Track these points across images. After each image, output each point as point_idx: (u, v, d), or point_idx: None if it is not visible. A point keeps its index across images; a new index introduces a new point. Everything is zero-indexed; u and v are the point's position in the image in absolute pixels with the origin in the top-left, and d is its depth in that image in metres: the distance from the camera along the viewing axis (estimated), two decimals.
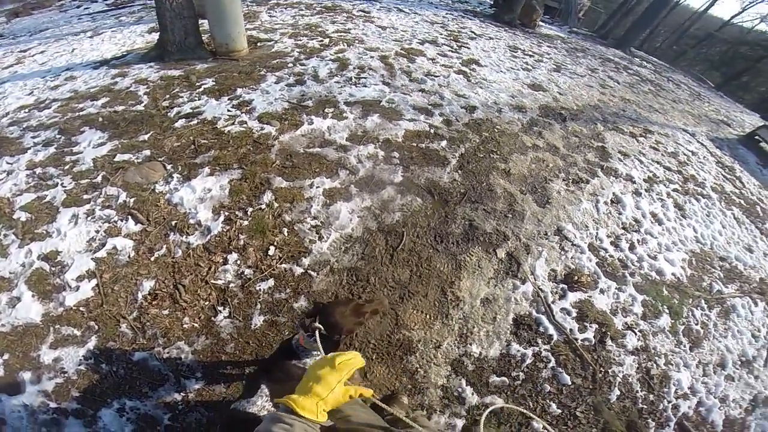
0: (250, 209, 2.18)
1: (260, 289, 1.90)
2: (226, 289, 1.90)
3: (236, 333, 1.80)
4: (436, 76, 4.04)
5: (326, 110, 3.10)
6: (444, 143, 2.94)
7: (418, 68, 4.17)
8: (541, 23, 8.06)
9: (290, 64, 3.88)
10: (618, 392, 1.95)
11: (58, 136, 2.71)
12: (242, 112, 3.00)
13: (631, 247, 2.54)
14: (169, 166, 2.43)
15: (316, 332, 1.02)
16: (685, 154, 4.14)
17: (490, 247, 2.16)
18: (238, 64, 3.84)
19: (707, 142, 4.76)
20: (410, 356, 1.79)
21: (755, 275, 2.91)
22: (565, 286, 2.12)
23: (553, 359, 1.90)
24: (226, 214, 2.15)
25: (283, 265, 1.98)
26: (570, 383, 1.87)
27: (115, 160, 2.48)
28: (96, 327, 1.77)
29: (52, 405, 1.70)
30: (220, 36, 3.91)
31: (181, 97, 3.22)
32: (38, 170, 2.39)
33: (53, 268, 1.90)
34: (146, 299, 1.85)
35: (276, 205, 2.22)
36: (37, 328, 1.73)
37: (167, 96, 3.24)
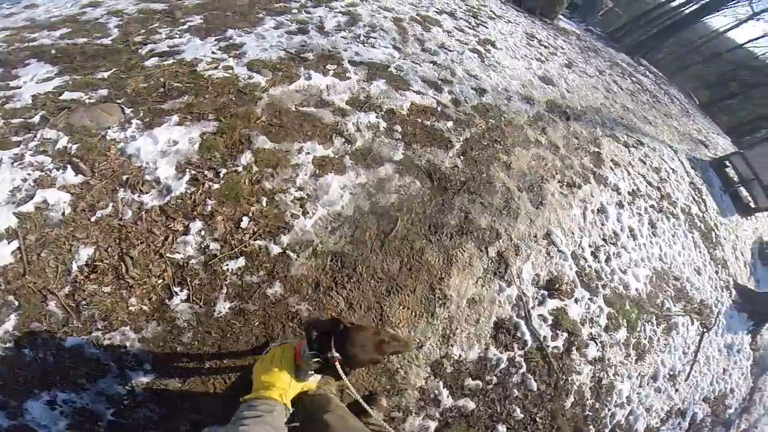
0: (224, 170, 1.84)
1: (228, 269, 1.63)
2: (186, 265, 1.60)
3: (195, 320, 1.55)
4: (450, 51, 3.70)
5: (328, 66, 2.69)
6: (450, 124, 2.71)
7: (433, 38, 3.78)
8: (560, 16, 7.72)
9: (294, 10, 3.36)
10: (572, 399, 2.07)
11: None
12: (230, 56, 2.52)
13: (607, 260, 2.62)
14: (128, 110, 1.98)
15: (337, 364, 0.88)
16: (666, 171, 4.29)
17: (483, 244, 2.08)
18: (235, 3, 3.26)
19: (686, 161, 4.98)
20: (392, 356, 1.71)
21: (697, 296, 3.20)
22: (546, 293, 2.14)
23: (524, 365, 1.95)
24: (193, 173, 1.80)
25: (258, 242, 1.72)
26: (536, 389, 1.94)
27: (61, 98, 1.98)
28: (16, 303, 1.43)
29: None
30: None
31: (159, 33, 2.67)
32: None
33: None
34: (82, 271, 1.50)
35: (256, 168, 1.90)
36: None
37: (143, 31, 2.67)
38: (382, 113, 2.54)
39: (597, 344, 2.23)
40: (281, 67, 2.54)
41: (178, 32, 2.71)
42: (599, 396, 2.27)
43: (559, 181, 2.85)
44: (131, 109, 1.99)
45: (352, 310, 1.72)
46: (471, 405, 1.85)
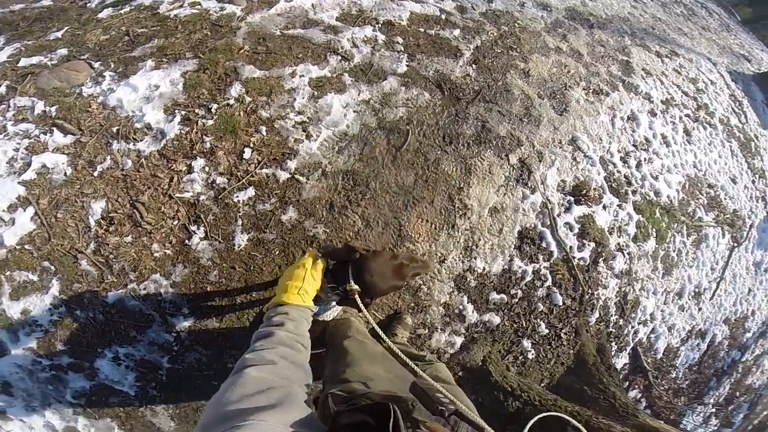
0: (215, 106, 1.73)
1: (239, 201, 1.60)
2: (197, 203, 1.58)
3: (218, 257, 1.57)
4: None
5: None
6: (457, 32, 2.39)
7: None
8: None
9: None
10: (597, 315, 2.04)
11: None
12: None
13: (638, 165, 2.44)
14: (96, 64, 1.84)
15: (357, 297, 0.82)
16: (704, 82, 3.88)
17: (503, 152, 1.92)
18: None
19: (725, 73, 4.48)
20: (412, 279, 1.66)
21: (731, 206, 3.01)
22: (572, 199, 2.01)
23: (550, 278, 1.89)
24: (183, 113, 1.70)
25: (264, 171, 1.65)
26: (561, 304, 1.90)
27: (19, 65, 1.85)
28: (53, 267, 1.49)
29: (45, 362, 1.58)
30: None
31: None
32: None
33: None
34: (101, 225, 1.53)
35: (248, 99, 1.76)
36: None
37: None
38: (379, 26, 2.25)
39: (624, 256, 2.14)
40: None
41: None
42: (624, 312, 2.23)
43: (584, 89, 2.56)
44: (99, 62, 1.86)
45: (369, 228, 1.66)
46: (496, 320, 1.83)
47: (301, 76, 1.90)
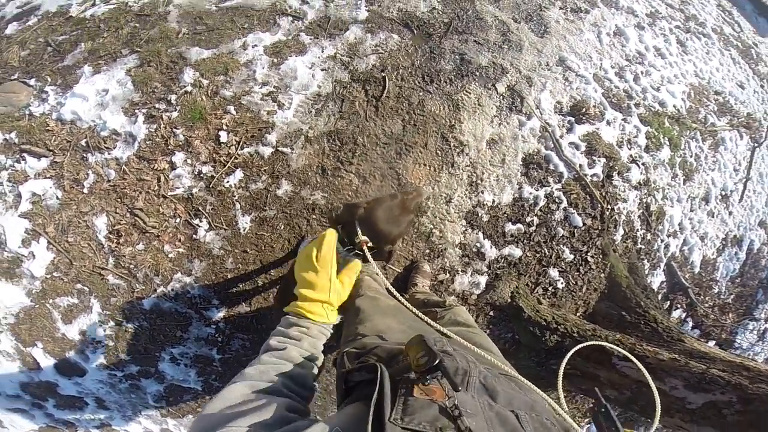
0: (173, 96, 1.67)
1: (230, 185, 1.58)
2: (191, 197, 1.57)
3: (228, 244, 1.57)
4: None
5: None
6: None
7: None
8: None
9: None
10: (622, 231, 1.93)
11: None
12: None
13: (636, 79, 2.30)
14: (32, 81, 1.77)
15: (365, 248, 0.75)
16: None
17: (489, 82, 1.81)
18: None
19: None
20: (421, 217, 1.62)
21: (743, 110, 2.88)
22: (572, 119, 1.90)
23: (564, 199, 1.80)
24: (144, 111, 1.65)
25: (246, 150, 1.61)
26: (581, 225, 1.81)
27: None
28: (86, 288, 1.55)
29: (118, 373, 1.66)
30: None
31: None
32: None
33: None
34: (111, 240, 1.55)
35: (205, 81, 1.69)
36: (35, 309, 1.56)
37: None
38: None
39: (639, 166, 2.02)
40: None
41: None
42: (650, 225, 2.11)
43: (560, 8, 2.42)
44: (33, 79, 1.77)
45: (367, 183, 1.61)
46: (517, 252, 1.74)
47: (254, 46, 1.81)
